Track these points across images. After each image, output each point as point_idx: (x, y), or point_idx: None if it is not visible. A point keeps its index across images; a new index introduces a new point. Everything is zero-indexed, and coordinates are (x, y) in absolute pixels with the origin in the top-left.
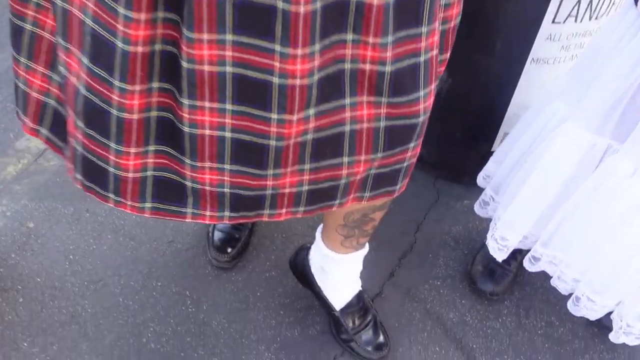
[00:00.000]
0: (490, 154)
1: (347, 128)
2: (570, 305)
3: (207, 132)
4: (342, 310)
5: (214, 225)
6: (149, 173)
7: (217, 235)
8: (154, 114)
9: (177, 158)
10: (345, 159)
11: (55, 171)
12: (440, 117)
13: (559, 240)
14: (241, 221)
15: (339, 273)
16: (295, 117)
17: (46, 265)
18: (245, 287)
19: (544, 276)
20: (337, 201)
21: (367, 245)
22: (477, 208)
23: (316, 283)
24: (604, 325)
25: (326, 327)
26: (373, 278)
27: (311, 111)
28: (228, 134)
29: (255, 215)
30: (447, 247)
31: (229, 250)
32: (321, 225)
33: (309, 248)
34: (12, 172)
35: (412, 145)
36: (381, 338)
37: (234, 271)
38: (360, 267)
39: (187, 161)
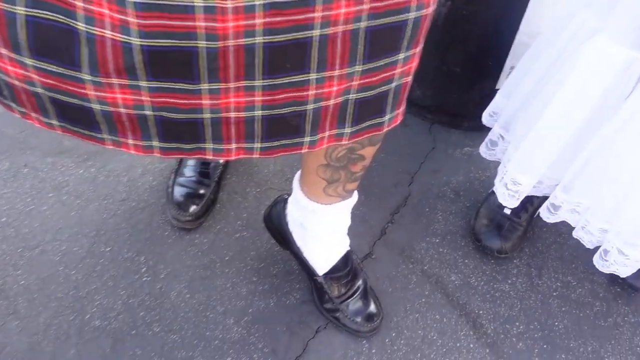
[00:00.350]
0: (495, 92)
1: (316, 32)
2: (597, 260)
3: (108, 33)
4: (326, 275)
5: (174, 178)
6: (39, 90)
7: (178, 190)
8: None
9: (68, 76)
10: (313, 76)
11: None
12: (437, 50)
13: (583, 184)
14: (178, 156)
15: (322, 229)
16: (230, 4)
17: None
18: (212, 250)
19: (557, 230)
20: (307, 138)
21: (355, 193)
22: (484, 150)
23: (295, 243)
24: (629, 284)
25: (307, 296)
26: (362, 237)
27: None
28: (136, 40)
29: (196, 149)
30: (446, 199)
31: (192, 208)
32: (299, 172)
33: (286, 200)
34: None
35: (401, 56)
36: (372, 307)
37: (198, 232)
38: (348, 222)
39: (86, 77)
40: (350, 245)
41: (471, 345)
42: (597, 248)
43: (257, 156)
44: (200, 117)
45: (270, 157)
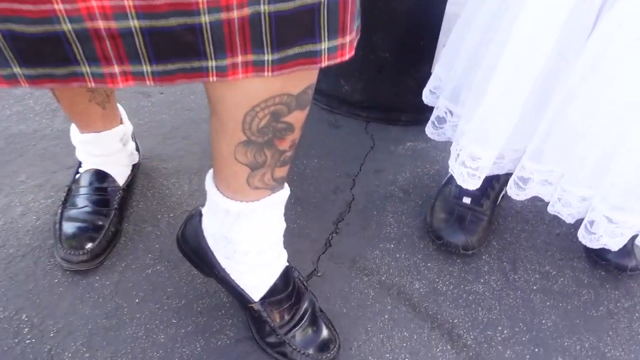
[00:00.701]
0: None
1: None
2: (582, 235)
3: None
4: (263, 300)
5: (62, 211)
6: None
7: (68, 225)
8: None
9: None
10: None
11: None
12: (361, 37)
13: (553, 148)
14: (50, 85)
15: (251, 237)
16: None
17: None
18: (116, 294)
19: (524, 218)
20: (211, 62)
21: (287, 186)
22: (430, 130)
23: (219, 264)
24: (614, 264)
25: (244, 332)
26: (303, 253)
27: None
28: None
29: (70, 75)
30: (394, 200)
31: (88, 245)
32: (211, 170)
33: (202, 213)
34: None
35: None
36: (325, 333)
37: (98, 274)
38: (283, 225)
39: None
40: (289, 262)
41: None
42: (579, 223)
43: (151, 83)
44: (59, 30)
45: (168, 84)
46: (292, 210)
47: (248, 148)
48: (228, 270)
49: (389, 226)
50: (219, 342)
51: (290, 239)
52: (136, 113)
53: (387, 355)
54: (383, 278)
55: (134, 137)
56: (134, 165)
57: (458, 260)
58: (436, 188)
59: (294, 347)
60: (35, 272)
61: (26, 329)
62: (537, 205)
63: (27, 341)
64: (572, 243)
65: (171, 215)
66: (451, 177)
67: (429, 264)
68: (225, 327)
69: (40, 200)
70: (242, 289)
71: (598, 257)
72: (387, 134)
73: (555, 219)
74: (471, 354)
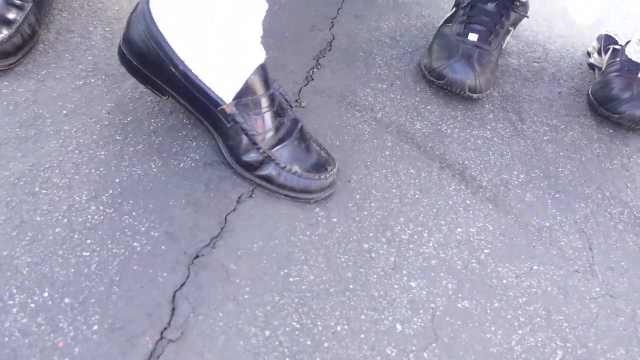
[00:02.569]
0: None
1: None
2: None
3: None
4: (238, 100)
5: None
6: None
7: None
8: None
9: None
10: None
11: None
12: None
13: None
14: None
15: (213, 9)
16: None
17: None
18: (35, 103)
19: (522, 75)
20: None
21: None
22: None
23: (177, 56)
24: (627, 116)
25: (213, 156)
26: (281, 83)
27: None
28: None
29: None
30: (381, 44)
31: None
32: None
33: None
34: None
35: None
36: (318, 153)
37: (8, 79)
38: (263, 3)
39: None
40: (279, 87)
41: (467, 202)
42: (580, 85)
43: None
44: None
45: None
46: (262, 41)
47: None
48: (189, 64)
49: (378, 67)
50: (182, 165)
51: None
52: None
53: (394, 190)
54: (379, 115)
55: None
56: None
57: (460, 106)
58: (426, 40)
59: (280, 164)
60: None
61: None
62: (534, 66)
63: None
64: (576, 102)
65: (107, 29)
66: (451, 16)
67: (428, 107)
68: (189, 149)
69: None
70: (209, 87)
71: (610, 112)
72: None
73: (555, 79)
74: (488, 194)
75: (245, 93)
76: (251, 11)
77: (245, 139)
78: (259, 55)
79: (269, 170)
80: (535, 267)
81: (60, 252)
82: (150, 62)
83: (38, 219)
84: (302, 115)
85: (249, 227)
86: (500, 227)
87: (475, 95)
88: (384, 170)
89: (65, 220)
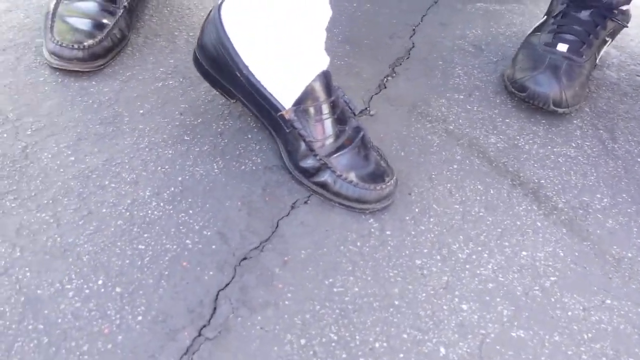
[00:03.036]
0: None
1: None
2: None
3: None
4: (298, 106)
5: (58, 1)
6: None
7: (65, 16)
8: None
9: None
10: None
11: None
12: None
13: None
14: None
15: (280, 11)
16: None
17: None
18: (116, 102)
19: (621, 90)
20: None
21: None
22: None
23: (242, 61)
24: None
25: (275, 160)
26: (352, 91)
27: None
28: None
29: None
30: (464, 53)
31: (88, 42)
32: None
33: (221, 5)
34: None
35: None
36: (377, 162)
37: (95, 80)
38: (327, 11)
39: None
40: (343, 95)
41: (538, 224)
42: None
43: None
44: None
45: None
46: (338, 47)
47: None
48: (252, 70)
49: (457, 77)
50: (243, 167)
51: (337, 76)
52: None
53: (457, 206)
54: (451, 127)
55: None
56: None
57: (543, 121)
58: (514, 49)
59: (337, 173)
60: (16, 67)
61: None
62: (637, 80)
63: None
64: None
65: (191, 34)
66: (541, 24)
67: (507, 120)
68: (252, 152)
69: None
70: (270, 92)
71: None
72: None
73: None
74: (563, 217)
75: (305, 99)
76: (313, 18)
77: (303, 145)
78: (322, 62)
79: (324, 177)
80: (608, 301)
81: (119, 243)
82: (219, 66)
83: (103, 210)
84: (369, 124)
85: (299, 233)
86: (572, 254)
87: (560, 110)
88: (449, 185)
89: (128, 213)
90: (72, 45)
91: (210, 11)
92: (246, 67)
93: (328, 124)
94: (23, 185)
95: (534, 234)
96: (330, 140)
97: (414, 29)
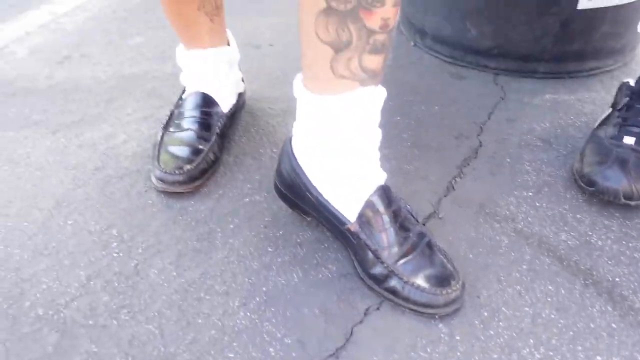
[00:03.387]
0: (580, 14)
1: None
2: None
3: None
4: (361, 218)
5: (163, 133)
6: None
7: (168, 146)
8: None
9: None
10: None
11: None
12: None
13: None
14: None
15: (338, 136)
16: None
17: None
18: (210, 219)
19: None
20: None
21: (383, 89)
22: None
23: (310, 183)
24: None
25: (349, 268)
26: (420, 195)
27: None
28: None
29: None
30: (532, 148)
31: (186, 167)
32: (300, 74)
33: (291, 137)
34: None
35: None
36: (443, 266)
37: (193, 200)
38: (377, 133)
39: None
40: (406, 205)
41: (613, 326)
42: None
43: None
44: None
45: None
46: (407, 152)
47: (329, 19)
48: (320, 190)
49: (525, 174)
50: (320, 275)
51: (406, 180)
52: (245, 61)
53: (527, 308)
54: (519, 226)
55: (239, 68)
56: (239, 95)
57: (617, 214)
58: (584, 140)
59: (405, 279)
60: (130, 192)
61: (115, 243)
62: None
63: (115, 254)
64: None
65: (274, 150)
66: (607, 117)
67: (578, 216)
68: (327, 261)
69: (143, 130)
70: (336, 209)
71: None
72: (521, 85)
73: None
74: None
75: (366, 212)
76: (366, 142)
77: (370, 254)
78: (379, 178)
79: (393, 283)
80: None
81: (212, 352)
82: (294, 190)
83: (199, 321)
84: (437, 227)
85: (372, 339)
86: None
87: (632, 203)
88: (518, 287)
89: (220, 323)
90: (174, 171)
91: (284, 144)
92: (315, 188)
93: (391, 232)
94: (134, 299)
95: (608, 337)
96: (395, 249)
97: (481, 127)
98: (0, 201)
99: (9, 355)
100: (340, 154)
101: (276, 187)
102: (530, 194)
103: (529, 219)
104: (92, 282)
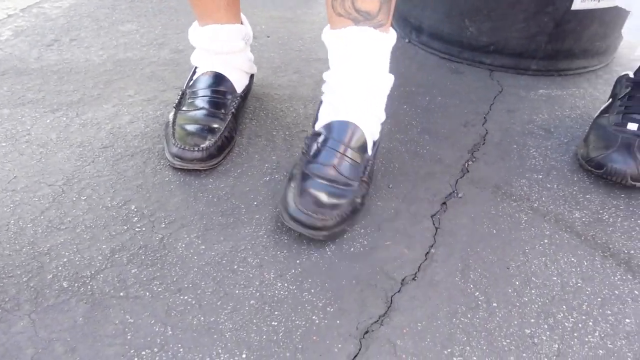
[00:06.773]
0: (573, 14)
1: None
2: None
3: None
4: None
5: (176, 112)
6: None
7: (183, 124)
8: None
9: None
10: None
11: None
12: None
13: None
14: None
15: (339, 72)
16: None
17: None
18: (232, 195)
19: None
20: None
21: (392, 32)
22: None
23: None
24: None
25: (379, 240)
26: (438, 176)
27: None
28: None
29: None
30: (535, 136)
31: (204, 143)
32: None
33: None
34: None
35: None
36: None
37: (212, 177)
38: (387, 78)
39: None
40: (426, 187)
41: (636, 292)
42: None
43: None
44: None
45: None
46: (419, 138)
47: None
48: None
49: (533, 159)
50: (352, 249)
51: (422, 163)
52: None
53: (555, 278)
54: (535, 205)
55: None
56: (251, 76)
57: (622, 195)
58: (582, 130)
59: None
60: (144, 170)
61: (135, 218)
62: None
63: (137, 229)
64: None
65: (287, 133)
66: (607, 107)
67: (587, 196)
68: (358, 235)
69: (149, 112)
70: None
71: None
72: (516, 81)
73: None
74: None
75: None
76: (368, 84)
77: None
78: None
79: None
80: None
81: (255, 320)
82: None
83: (237, 292)
84: (459, 206)
85: (412, 307)
86: None
87: (639, 184)
88: (543, 258)
89: (258, 294)
90: (193, 148)
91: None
92: None
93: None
94: (165, 271)
95: (633, 302)
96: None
97: (484, 117)
98: (3, 176)
99: (37, 327)
100: (341, 88)
101: None
102: (541, 176)
103: (543, 198)
104: (116, 255)
